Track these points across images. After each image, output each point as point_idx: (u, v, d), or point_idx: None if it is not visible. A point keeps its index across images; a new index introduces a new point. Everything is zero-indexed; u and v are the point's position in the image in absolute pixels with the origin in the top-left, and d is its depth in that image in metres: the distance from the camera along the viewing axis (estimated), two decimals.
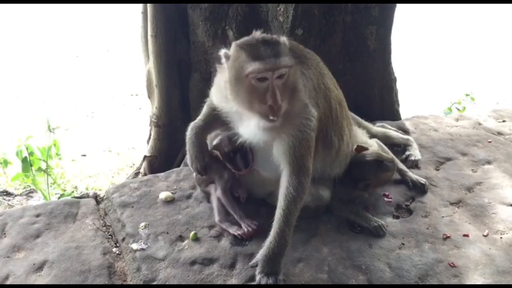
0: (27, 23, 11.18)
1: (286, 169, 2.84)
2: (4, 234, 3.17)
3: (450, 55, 9.94)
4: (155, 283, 2.81)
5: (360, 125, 3.89)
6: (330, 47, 4.06)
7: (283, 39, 2.68)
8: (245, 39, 2.71)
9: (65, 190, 5.12)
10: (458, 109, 6.51)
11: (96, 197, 3.60)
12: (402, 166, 3.61)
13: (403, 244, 3.07)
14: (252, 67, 2.53)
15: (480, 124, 4.53)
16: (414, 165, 3.77)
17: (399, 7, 4.33)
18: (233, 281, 2.83)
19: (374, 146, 3.55)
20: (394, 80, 4.61)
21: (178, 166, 4.23)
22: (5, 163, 5.17)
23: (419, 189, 3.51)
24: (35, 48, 10.00)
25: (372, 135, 3.80)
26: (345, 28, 4.05)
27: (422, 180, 3.51)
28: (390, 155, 3.58)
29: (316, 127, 2.85)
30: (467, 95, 6.70)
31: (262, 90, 2.57)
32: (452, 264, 2.91)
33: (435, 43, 10.61)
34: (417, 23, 11.19)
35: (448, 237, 3.11)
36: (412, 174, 3.55)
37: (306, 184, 2.84)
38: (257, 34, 2.68)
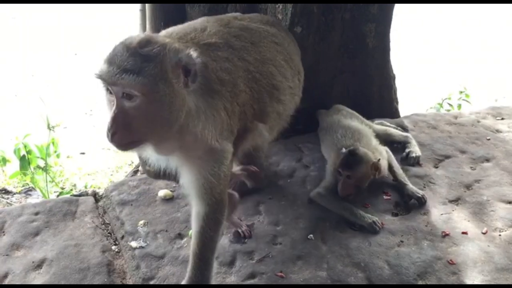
0: (26, 21, 11.15)
1: (199, 205, 2.56)
2: (3, 232, 3.17)
3: (447, 52, 9.95)
4: (154, 281, 2.82)
5: (362, 123, 3.90)
6: (329, 44, 4.06)
7: (161, 48, 2.15)
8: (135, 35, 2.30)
9: (63, 188, 5.11)
10: (450, 105, 6.51)
11: (95, 195, 3.60)
12: (402, 178, 3.50)
13: (402, 241, 3.07)
14: (97, 68, 2.16)
15: (478, 121, 4.53)
16: (416, 162, 3.77)
17: (398, 4, 4.32)
18: (232, 278, 2.83)
19: (384, 154, 3.56)
20: (393, 77, 4.61)
21: None
22: (3, 161, 5.16)
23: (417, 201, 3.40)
24: (33, 46, 9.97)
25: (374, 133, 3.82)
26: (344, 26, 4.05)
27: (419, 193, 3.40)
28: (395, 162, 3.59)
29: (230, 159, 2.56)
30: (461, 92, 6.69)
31: (111, 105, 2.20)
32: (451, 262, 2.91)
33: (432, 40, 10.62)
34: (414, 21, 11.20)
35: (447, 234, 3.12)
36: (411, 187, 3.43)
37: (223, 219, 2.65)
38: (144, 34, 2.28)
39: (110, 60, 2.12)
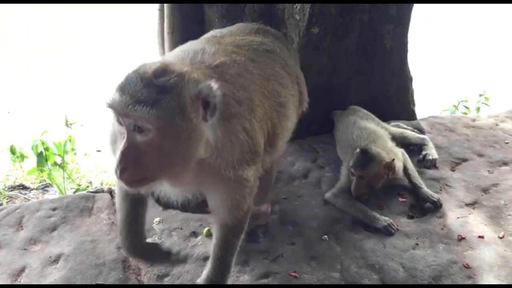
0: (44, 20, 11.28)
1: (225, 218, 2.48)
2: (21, 226, 3.21)
3: (465, 53, 9.82)
4: (168, 278, 2.84)
5: (378, 125, 3.88)
6: (346, 45, 4.04)
7: (179, 78, 1.98)
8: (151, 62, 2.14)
9: (80, 185, 5.16)
10: (466, 107, 6.42)
11: (111, 192, 3.63)
12: (417, 181, 3.48)
13: (417, 244, 3.05)
14: (109, 96, 2.00)
15: (497, 125, 4.47)
16: (432, 164, 3.74)
17: (416, 4, 4.28)
18: (246, 277, 2.84)
19: (400, 157, 3.54)
20: (410, 79, 4.58)
21: None
22: (21, 157, 5.23)
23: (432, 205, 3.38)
24: (53, 45, 10.08)
25: (390, 135, 3.80)
26: (362, 27, 4.03)
27: (434, 197, 3.37)
28: (411, 165, 3.56)
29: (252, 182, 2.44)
30: (480, 95, 6.59)
31: (121, 138, 2.04)
32: (466, 265, 2.88)
33: (450, 41, 10.49)
34: (431, 21, 11.07)
35: (463, 238, 3.09)
36: (426, 190, 3.41)
37: (246, 226, 2.62)
38: (160, 62, 2.09)
39: (123, 89, 1.96)
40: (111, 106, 1.97)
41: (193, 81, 2.01)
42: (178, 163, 2.05)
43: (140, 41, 9.66)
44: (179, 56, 2.40)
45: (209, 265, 2.67)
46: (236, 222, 2.50)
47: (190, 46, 2.60)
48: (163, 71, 1.98)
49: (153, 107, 1.89)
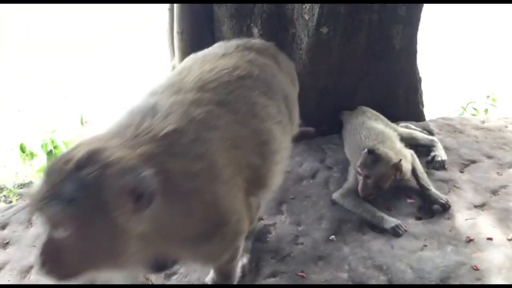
0: (42, 20, 11.34)
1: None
2: (31, 223, 3.24)
3: (473, 54, 9.76)
4: (176, 276, 2.85)
5: (387, 125, 3.87)
6: (355, 46, 4.04)
7: (100, 170, 1.72)
8: None
9: None
10: (474, 109, 6.39)
11: None
12: (425, 182, 3.45)
13: (425, 245, 3.04)
14: (29, 187, 1.84)
15: (506, 126, 4.44)
16: (441, 166, 3.72)
17: (426, 5, 4.26)
18: (253, 276, 2.85)
19: (408, 158, 3.52)
20: (419, 80, 4.57)
21: None
22: (31, 155, 5.28)
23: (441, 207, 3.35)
24: (53, 45, 10.14)
25: (398, 136, 3.79)
26: (371, 27, 4.02)
27: (443, 199, 3.35)
28: (419, 166, 3.55)
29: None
30: (488, 97, 6.56)
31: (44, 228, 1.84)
32: (475, 267, 2.87)
33: (458, 41, 10.42)
34: (439, 21, 11.01)
35: (472, 240, 3.07)
36: (435, 192, 3.39)
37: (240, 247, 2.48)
38: (89, 148, 1.80)
39: (43, 179, 1.77)
40: (27, 197, 1.82)
41: (120, 172, 1.72)
42: (104, 262, 1.81)
43: (140, 41, 9.73)
44: (123, 124, 2.05)
45: (212, 270, 2.69)
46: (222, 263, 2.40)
47: (143, 101, 2.22)
48: (87, 160, 1.74)
49: (69, 205, 1.67)
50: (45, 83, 8.49)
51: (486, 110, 6.40)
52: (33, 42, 10.24)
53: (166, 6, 4.42)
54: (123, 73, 8.79)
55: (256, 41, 3.07)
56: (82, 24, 11.19)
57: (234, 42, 2.92)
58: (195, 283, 2.82)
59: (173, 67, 4.47)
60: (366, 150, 3.34)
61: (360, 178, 3.33)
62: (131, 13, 11.40)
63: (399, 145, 3.63)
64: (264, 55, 2.89)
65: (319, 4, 3.71)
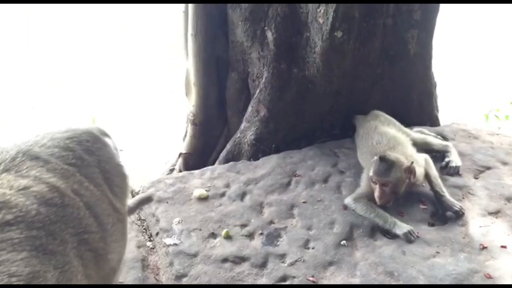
0: (42, 19, 11.44)
1: None
2: None
3: (489, 57, 9.63)
4: (186, 278, 2.86)
5: (400, 130, 3.84)
6: (370, 50, 4.02)
7: None
8: None
9: None
10: (496, 116, 6.30)
11: (131, 191, 3.67)
12: (439, 188, 3.40)
13: (437, 252, 3.01)
14: None
15: None
16: (455, 172, 3.68)
17: (442, 9, 4.22)
18: (263, 280, 2.84)
19: (420, 162, 3.48)
20: (434, 85, 4.53)
21: (213, 164, 4.27)
22: None
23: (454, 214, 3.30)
24: (53, 45, 10.22)
25: (411, 141, 3.75)
26: (385, 31, 3.99)
27: (457, 206, 3.29)
28: (434, 171, 3.50)
29: None
30: (511, 103, 6.46)
31: None
32: (488, 276, 2.83)
33: (474, 44, 10.31)
34: (455, 25, 10.91)
35: (485, 247, 3.03)
36: (448, 198, 3.34)
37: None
38: None
39: None
40: None
41: None
42: None
43: (140, 41, 9.79)
44: None
45: None
46: None
47: None
48: None
49: None
50: (58, 82, 8.58)
51: (507, 116, 6.30)
52: (32, 42, 10.33)
53: (180, 7, 4.45)
54: (136, 75, 8.86)
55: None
56: (82, 24, 11.28)
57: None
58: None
59: (187, 70, 4.50)
60: (376, 157, 3.31)
61: (376, 186, 3.30)
62: (131, 13, 11.46)
63: (411, 150, 3.59)
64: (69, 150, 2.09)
65: (334, 8, 3.69)
